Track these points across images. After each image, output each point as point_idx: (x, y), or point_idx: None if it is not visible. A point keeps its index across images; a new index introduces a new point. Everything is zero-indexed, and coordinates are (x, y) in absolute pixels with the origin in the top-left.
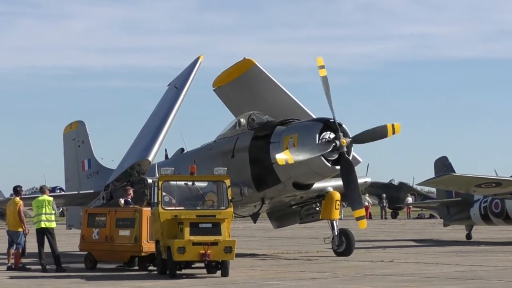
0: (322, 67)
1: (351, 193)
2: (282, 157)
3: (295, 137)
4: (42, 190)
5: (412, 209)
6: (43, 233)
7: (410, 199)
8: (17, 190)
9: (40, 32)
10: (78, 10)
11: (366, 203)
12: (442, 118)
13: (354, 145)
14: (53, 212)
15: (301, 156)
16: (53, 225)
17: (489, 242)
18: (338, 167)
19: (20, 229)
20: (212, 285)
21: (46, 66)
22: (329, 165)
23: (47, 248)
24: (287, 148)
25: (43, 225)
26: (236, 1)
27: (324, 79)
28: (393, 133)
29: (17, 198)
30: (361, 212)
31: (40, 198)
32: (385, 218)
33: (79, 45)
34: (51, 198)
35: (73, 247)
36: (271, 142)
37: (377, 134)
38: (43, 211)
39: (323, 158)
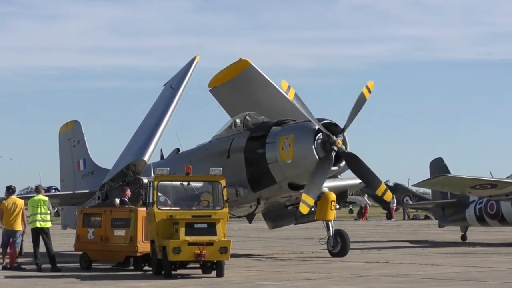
0: (289, 88)
1: (368, 177)
2: (305, 206)
3: (291, 137)
4: (37, 190)
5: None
6: (38, 233)
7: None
8: (12, 190)
9: (35, 33)
10: (73, 11)
11: (365, 204)
12: (438, 120)
13: (349, 145)
14: (49, 212)
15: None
16: (48, 224)
17: (484, 244)
18: (334, 168)
19: (18, 228)
20: (207, 286)
21: (41, 67)
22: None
23: (42, 248)
24: (282, 149)
25: (38, 224)
26: (232, 2)
27: (296, 98)
28: (370, 92)
29: (17, 198)
30: (383, 187)
31: (35, 197)
32: (408, 219)
33: (74, 46)
34: (46, 198)
35: (69, 247)
36: (266, 142)
37: (358, 103)
38: (39, 211)
39: (318, 158)
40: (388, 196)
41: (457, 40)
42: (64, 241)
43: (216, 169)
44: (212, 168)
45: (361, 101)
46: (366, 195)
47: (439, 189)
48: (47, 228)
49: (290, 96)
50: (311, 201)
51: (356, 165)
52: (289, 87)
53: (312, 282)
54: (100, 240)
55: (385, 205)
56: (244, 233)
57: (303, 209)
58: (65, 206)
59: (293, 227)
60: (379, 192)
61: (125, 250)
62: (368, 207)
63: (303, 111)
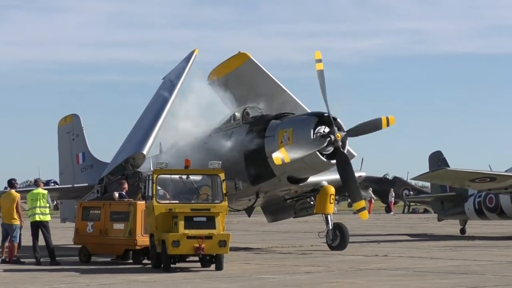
0: (319, 60)
1: (350, 186)
2: (279, 155)
3: (290, 131)
4: (36, 183)
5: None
6: (38, 226)
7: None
8: (12, 183)
9: (33, 26)
10: (71, 4)
11: (370, 198)
12: (437, 113)
13: (348, 139)
14: (48, 205)
15: (297, 154)
16: (48, 218)
17: (483, 237)
18: (333, 161)
19: (16, 222)
20: (207, 279)
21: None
22: (324, 159)
23: (41, 242)
24: (281, 142)
25: (37, 218)
26: None
27: (320, 73)
28: (388, 125)
29: (14, 191)
30: (361, 203)
31: (34, 191)
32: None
33: (72, 39)
34: (46, 191)
35: (68, 241)
36: (266, 136)
37: (372, 126)
38: (38, 204)
39: (318, 153)
40: (364, 215)
41: (456, 33)
42: (63, 234)
43: (215, 163)
44: (211, 161)
45: (374, 126)
46: (371, 188)
47: (438, 182)
48: (47, 222)
49: (317, 68)
50: (363, 204)
51: (345, 168)
52: (320, 60)
53: (311, 275)
54: (99, 234)
55: (385, 198)
56: (243, 226)
57: (364, 216)
58: (64, 200)
59: (292, 221)
60: (356, 207)
61: (124, 244)
62: (373, 201)
63: (320, 90)
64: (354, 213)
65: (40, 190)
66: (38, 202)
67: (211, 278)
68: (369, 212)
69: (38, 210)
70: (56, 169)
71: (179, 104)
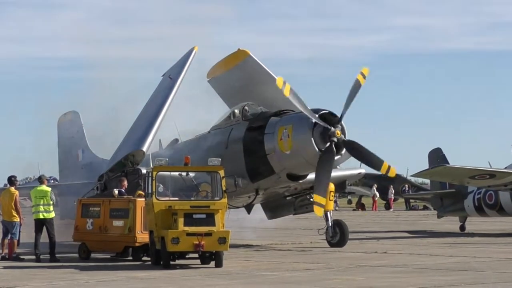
0: (284, 84)
1: (370, 158)
2: (319, 207)
3: (289, 128)
4: (40, 180)
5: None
6: (42, 224)
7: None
8: (11, 180)
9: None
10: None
11: (373, 195)
12: (437, 110)
13: (347, 133)
14: (51, 202)
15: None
16: (51, 215)
17: (482, 234)
18: (337, 157)
19: (16, 219)
20: (206, 276)
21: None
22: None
23: (44, 239)
24: (281, 139)
25: (41, 216)
26: None
27: (292, 94)
28: (386, 173)
29: (13, 188)
30: (385, 165)
31: (38, 188)
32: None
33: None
34: (49, 189)
35: (67, 237)
36: (265, 133)
37: (354, 90)
38: (41, 202)
39: (317, 149)
40: (392, 172)
41: (456, 30)
42: (63, 231)
43: (214, 160)
44: (211, 158)
45: (356, 87)
46: (375, 185)
47: (437, 179)
48: (51, 219)
49: (286, 93)
50: (323, 201)
51: (356, 150)
52: (284, 83)
53: (310, 272)
54: (98, 231)
55: (384, 195)
56: (242, 223)
57: (318, 211)
58: (62, 197)
59: (292, 218)
60: (383, 170)
61: (124, 241)
62: (376, 198)
63: (300, 107)
64: (354, 210)
65: (44, 187)
66: (42, 200)
67: (211, 275)
68: (374, 209)
69: (41, 208)
70: (55, 166)
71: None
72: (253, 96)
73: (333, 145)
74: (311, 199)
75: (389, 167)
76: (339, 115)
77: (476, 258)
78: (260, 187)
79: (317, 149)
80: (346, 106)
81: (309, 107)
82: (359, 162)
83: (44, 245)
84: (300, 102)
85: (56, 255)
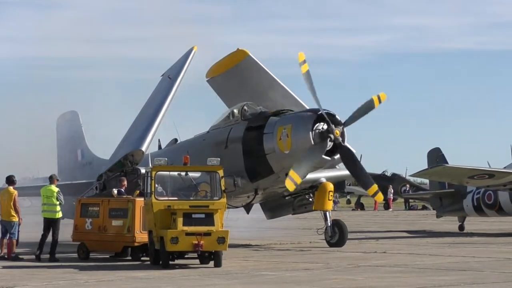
0: (303, 62)
1: (361, 174)
2: (291, 182)
3: (289, 128)
4: (51, 180)
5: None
6: (48, 223)
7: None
8: (11, 180)
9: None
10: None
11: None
12: (436, 110)
13: (347, 137)
14: (57, 203)
15: (304, 169)
16: (56, 215)
17: (481, 234)
18: (326, 157)
19: (14, 219)
20: (205, 276)
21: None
22: (323, 156)
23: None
24: (280, 139)
25: (46, 215)
26: None
27: (307, 75)
28: (380, 102)
29: (11, 188)
30: (374, 187)
31: (47, 187)
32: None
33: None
34: (56, 189)
35: (66, 237)
36: (264, 132)
37: (365, 108)
38: (47, 202)
39: (313, 144)
40: (379, 197)
41: (455, 30)
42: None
43: (214, 159)
44: (210, 158)
45: (368, 108)
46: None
47: (436, 179)
48: (56, 219)
49: (303, 69)
50: (298, 179)
51: (350, 161)
52: (304, 61)
53: (310, 272)
54: (98, 230)
55: (383, 195)
56: (241, 223)
57: (289, 185)
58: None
59: (291, 217)
60: (370, 192)
61: (123, 240)
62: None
63: (309, 91)
64: (353, 210)
65: (52, 187)
66: (48, 199)
67: (210, 274)
68: (375, 209)
69: (46, 207)
70: (55, 166)
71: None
72: (252, 96)
73: (328, 141)
74: (310, 199)
75: (377, 191)
76: (340, 118)
77: (475, 258)
78: (259, 187)
79: (314, 144)
80: (353, 119)
81: (308, 107)
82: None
83: (47, 244)
84: (311, 86)
85: (56, 255)
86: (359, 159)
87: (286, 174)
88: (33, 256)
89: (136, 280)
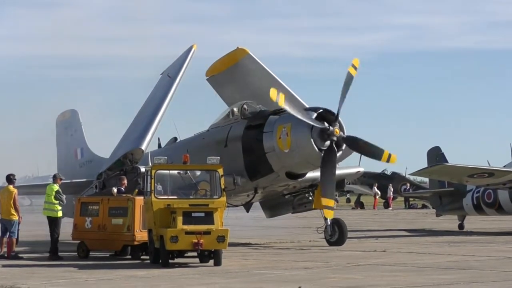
0: (278, 94)
1: (370, 150)
2: (329, 211)
3: (288, 126)
4: (54, 178)
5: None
6: (50, 221)
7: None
8: (10, 179)
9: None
10: None
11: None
12: (436, 109)
13: (345, 129)
14: (55, 202)
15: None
16: (55, 214)
17: (481, 232)
18: (338, 154)
19: (14, 218)
20: (205, 274)
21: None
22: (322, 154)
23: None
24: (280, 138)
25: (45, 213)
26: None
27: (287, 103)
28: (387, 161)
29: (11, 187)
30: (386, 153)
31: (49, 186)
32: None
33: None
34: (55, 188)
35: (66, 236)
36: (264, 131)
37: (347, 83)
38: (47, 200)
39: (316, 148)
40: (393, 159)
41: (455, 29)
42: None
43: (213, 158)
44: (210, 157)
45: (348, 80)
46: (376, 184)
47: (436, 178)
48: (55, 217)
49: (280, 103)
50: (331, 203)
51: (356, 144)
52: (278, 93)
53: (309, 271)
54: (97, 229)
55: (383, 194)
56: (241, 222)
57: (328, 215)
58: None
59: (290, 216)
60: (384, 159)
61: (123, 239)
62: (377, 197)
63: (296, 114)
64: (352, 208)
65: (54, 186)
66: (48, 197)
67: (210, 273)
68: (374, 208)
69: (46, 206)
70: (54, 164)
71: None
72: (252, 94)
73: (334, 144)
74: (310, 198)
75: (389, 155)
76: (335, 112)
77: (474, 257)
78: (259, 186)
79: (316, 147)
80: (341, 101)
81: (308, 106)
82: (358, 161)
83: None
84: (295, 110)
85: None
86: (361, 138)
87: (286, 173)
88: (33, 255)
89: (136, 279)
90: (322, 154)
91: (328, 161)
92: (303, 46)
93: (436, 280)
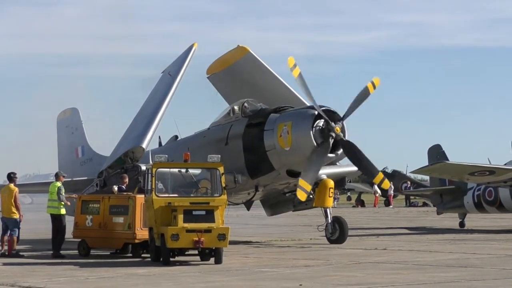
0: (294, 66)
1: (366, 165)
2: (302, 192)
3: (289, 124)
4: (56, 176)
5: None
6: (53, 218)
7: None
8: (11, 177)
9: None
10: None
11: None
12: (436, 106)
13: (347, 133)
14: (56, 199)
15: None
16: (56, 211)
17: (482, 230)
18: (331, 155)
19: (15, 216)
20: (206, 272)
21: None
22: (328, 155)
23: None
24: (281, 136)
25: (48, 211)
26: None
27: (300, 78)
28: (374, 88)
29: (12, 185)
30: (380, 175)
31: (52, 183)
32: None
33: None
34: (57, 186)
35: (67, 234)
36: (265, 129)
37: (361, 97)
38: (50, 198)
39: (316, 145)
40: (386, 184)
41: (454, 26)
42: None
43: (214, 156)
44: (211, 155)
45: (364, 95)
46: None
47: (437, 176)
48: (57, 215)
49: (295, 74)
50: (308, 187)
51: (353, 153)
52: (295, 65)
53: (310, 269)
54: (98, 227)
55: (384, 192)
56: (242, 220)
57: (301, 195)
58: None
59: (291, 214)
60: (376, 180)
61: (124, 237)
62: (377, 194)
63: (304, 93)
64: (353, 206)
65: (55, 184)
66: (50, 195)
67: (210, 271)
68: (375, 206)
69: (49, 203)
70: (55, 162)
71: None
72: (252, 92)
73: (330, 140)
74: (310, 196)
75: (383, 179)
76: (340, 114)
77: (475, 255)
78: (260, 184)
79: (316, 145)
80: (351, 110)
81: (308, 104)
82: None
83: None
84: (305, 88)
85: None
86: (361, 150)
87: (287, 171)
88: (34, 253)
89: (137, 276)
90: (330, 156)
91: (318, 153)
92: (304, 44)
93: (437, 278)
